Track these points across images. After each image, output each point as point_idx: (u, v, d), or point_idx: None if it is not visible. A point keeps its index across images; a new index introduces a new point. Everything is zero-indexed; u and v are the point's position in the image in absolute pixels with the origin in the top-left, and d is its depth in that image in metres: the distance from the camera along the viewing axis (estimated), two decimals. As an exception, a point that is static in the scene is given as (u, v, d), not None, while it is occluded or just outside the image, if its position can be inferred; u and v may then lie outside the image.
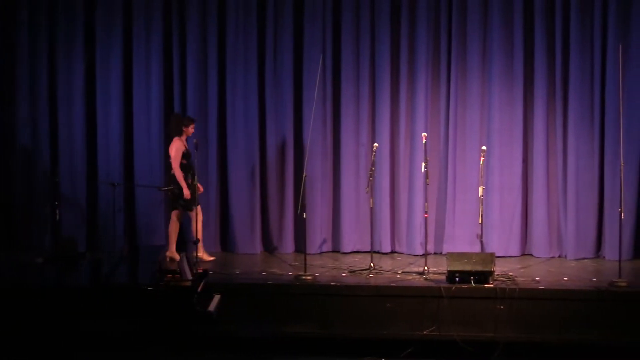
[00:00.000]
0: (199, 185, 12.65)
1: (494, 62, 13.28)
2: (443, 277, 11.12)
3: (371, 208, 12.49)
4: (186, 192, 12.44)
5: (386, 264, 12.67)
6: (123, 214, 13.68)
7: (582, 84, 13.12)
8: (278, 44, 13.66)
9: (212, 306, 9.29)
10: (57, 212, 13.18)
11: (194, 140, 12.42)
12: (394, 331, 10.77)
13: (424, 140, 12.02)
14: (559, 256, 13.33)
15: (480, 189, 11.76)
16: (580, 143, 13.14)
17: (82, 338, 8.67)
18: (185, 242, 13.40)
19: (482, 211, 11.78)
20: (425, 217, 12.20)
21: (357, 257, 13.24)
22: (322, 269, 12.24)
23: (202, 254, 12.75)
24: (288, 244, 13.75)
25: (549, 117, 13.28)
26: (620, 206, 11.26)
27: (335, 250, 13.77)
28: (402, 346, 10.65)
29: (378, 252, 13.43)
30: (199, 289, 9.07)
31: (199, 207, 12.63)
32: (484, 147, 12.13)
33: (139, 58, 13.79)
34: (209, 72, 13.73)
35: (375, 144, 12.45)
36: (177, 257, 12.47)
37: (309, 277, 11.38)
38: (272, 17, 13.64)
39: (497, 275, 11.22)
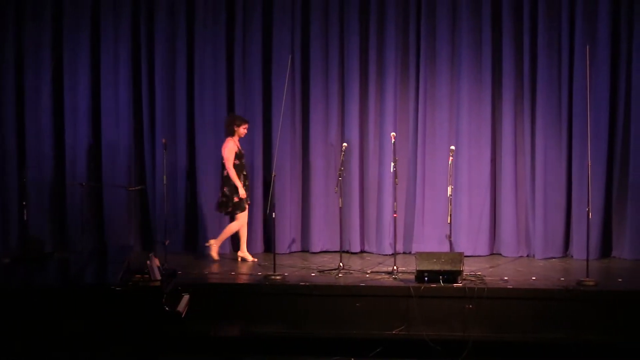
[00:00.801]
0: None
1: (462, 62, 13.31)
2: (412, 276, 11.13)
3: (340, 208, 12.49)
4: (242, 192, 12.44)
5: (355, 263, 12.68)
6: (91, 214, 13.60)
7: (550, 84, 13.17)
8: (247, 43, 13.61)
9: (181, 306, 9.26)
10: (25, 212, 13.10)
11: (163, 140, 12.38)
12: (363, 331, 10.75)
13: (393, 140, 12.02)
14: (527, 255, 13.39)
15: (449, 189, 11.77)
16: (548, 142, 13.20)
17: (49, 338, 8.62)
18: (155, 243, 13.39)
19: (450, 211, 11.78)
20: (395, 216, 12.21)
21: (327, 256, 13.25)
22: (291, 268, 12.23)
23: (245, 254, 12.83)
24: (257, 244, 13.69)
25: (517, 117, 13.33)
26: (588, 205, 11.31)
27: (305, 250, 13.78)
28: (371, 346, 10.63)
29: (347, 252, 13.45)
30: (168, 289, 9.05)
31: (245, 213, 12.69)
32: (452, 147, 12.14)
33: (107, 58, 13.69)
34: (177, 71, 13.66)
35: (345, 144, 12.45)
36: (249, 257, 12.72)
37: (278, 277, 11.36)
38: (241, 16, 13.59)
39: (466, 274, 11.26)
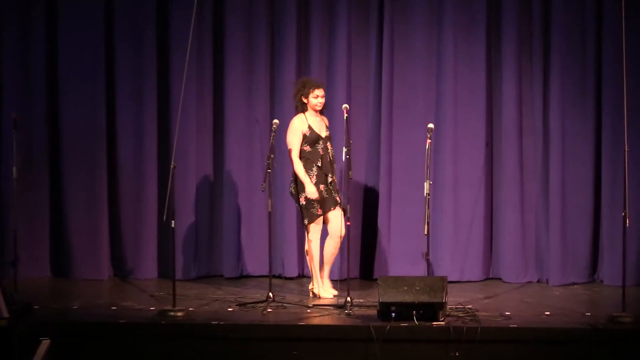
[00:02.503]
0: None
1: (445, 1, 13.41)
2: (374, 311, 11.13)
3: (269, 213, 12.36)
4: (310, 190, 12.15)
5: (292, 293, 12.73)
6: None
7: (570, 35, 13.31)
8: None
9: (39, 355, 9.23)
10: None
11: (12, 115, 12.29)
12: (303, 389, 10.78)
13: (345, 115, 11.98)
14: (538, 281, 13.58)
15: (426, 185, 11.74)
16: (567, 120, 13.31)
17: None
18: (1, 263, 13.38)
19: (428, 216, 11.75)
20: (348, 225, 12.15)
21: (250, 283, 13.36)
22: (198, 301, 12.26)
23: (320, 288, 12.50)
24: (149, 266, 13.79)
25: (522, 82, 13.47)
26: (624, 209, 11.29)
27: (218, 274, 13.88)
28: (314, 410, 10.66)
29: (280, 277, 13.55)
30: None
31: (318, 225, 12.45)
32: (431, 125, 12.10)
33: None
34: (32, 14, 13.68)
35: (276, 120, 12.34)
36: (326, 292, 12.42)
37: (179, 313, 11.32)
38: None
39: (451, 308, 11.31)
